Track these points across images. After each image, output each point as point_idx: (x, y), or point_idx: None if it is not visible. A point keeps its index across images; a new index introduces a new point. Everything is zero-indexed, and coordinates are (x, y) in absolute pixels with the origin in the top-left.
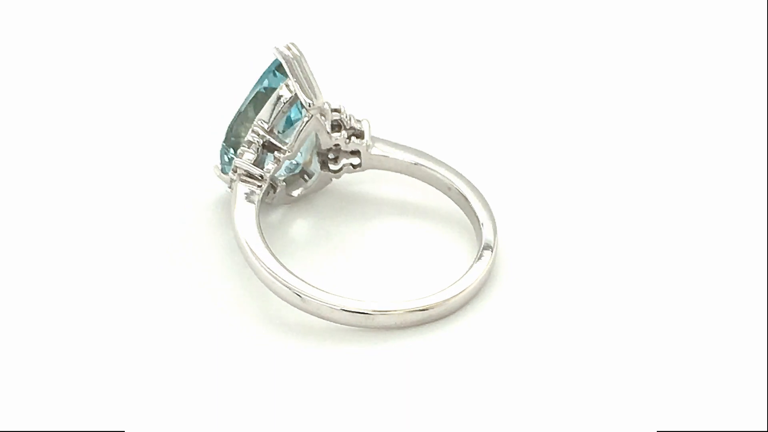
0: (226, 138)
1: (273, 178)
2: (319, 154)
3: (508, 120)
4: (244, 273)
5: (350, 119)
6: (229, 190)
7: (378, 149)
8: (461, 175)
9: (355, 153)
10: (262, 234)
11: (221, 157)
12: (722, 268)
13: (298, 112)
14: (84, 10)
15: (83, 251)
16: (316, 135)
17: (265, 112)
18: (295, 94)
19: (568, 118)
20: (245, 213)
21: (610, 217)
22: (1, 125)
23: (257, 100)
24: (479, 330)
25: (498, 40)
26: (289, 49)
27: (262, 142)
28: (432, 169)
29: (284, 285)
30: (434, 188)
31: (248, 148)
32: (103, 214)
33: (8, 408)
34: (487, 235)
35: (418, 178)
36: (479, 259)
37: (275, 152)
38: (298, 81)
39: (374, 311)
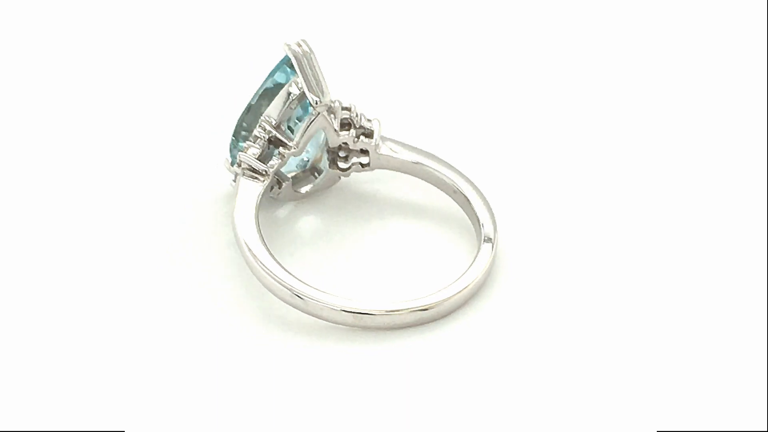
0: (235, 131)
1: (279, 174)
2: (329, 151)
3: (521, 123)
4: (244, 273)
5: (360, 118)
6: (233, 183)
7: (386, 149)
8: (467, 178)
9: (365, 152)
10: (260, 233)
11: (230, 150)
12: (723, 264)
13: (307, 108)
14: (84, 7)
15: (83, 251)
16: (324, 132)
17: (273, 107)
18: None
19: (579, 123)
20: (245, 211)
21: (611, 220)
22: (1, 123)
23: (267, 94)
24: (479, 330)
25: (502, 43)
26: (299, 45)
27: (268, 137)
28: (438, 171)
29: (282, 285)
30: (440, 190)
31: (254, 142)
32: (103, 214)
33: (8, 408)
34: (487, 236)
35: (424, 180)
36: (478, 259)
37: (280, 148)
38: (305, 78)
39: (367, 312)
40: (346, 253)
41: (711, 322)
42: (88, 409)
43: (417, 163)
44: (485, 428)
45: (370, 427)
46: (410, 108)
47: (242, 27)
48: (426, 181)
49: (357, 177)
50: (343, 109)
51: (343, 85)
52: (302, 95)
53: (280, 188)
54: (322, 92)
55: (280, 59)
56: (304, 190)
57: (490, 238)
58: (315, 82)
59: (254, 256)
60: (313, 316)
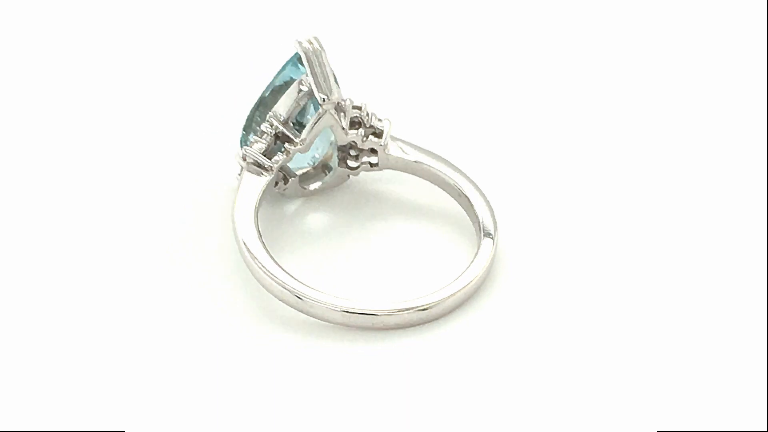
0: (245, 126)
1: (286, 169)
2: (340, 149)
3: (528, 124)
4: (244, 273)
5: (371, 117)
6: (238, 177)
7: (396, 149)
8: (473, 181)
9: (374, 152)
10: (259, 231)
11: (241, 144)
12: (723, 263)
13: (317, 105)
14: (89, 5)
15: (83, 251)
16: (332, 130)
17: (282, 103)
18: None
19: (579, 123)
20: (245, 208)
21: (611, 220)
22: (1, 122)
23: (278, 89)
24: (479, 329)
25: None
26: (310, 43)
27: (275, 132)
28: (443, 173)
29: (279, 284)
30: (446, 192)
31: (260, 137)
32: (103, 214)
33: (8, 408)
34: (487, 231)
35: (430, 181)
36: (479, 256)
37: (286, 143)
38: (314, 75)
39: (366, 312)
40: (347, 252)
41: (711, 321)
42: (88, 409)
43: (425, 164)
44: (486, 428)
45: (371, 426)
46: (423, 109)
47: (253, 26)
48: (432, 182)
49: (366, 176)
50: (354, 107)
51: (357, 84)
52: (311, 92)
53: (286, 184)
54: (330, 90)
55: (291, 55)
56: (312, 187)
57: (490, 233)
58: (323, 80)
59: (252, 254)
60: (311, 316)
